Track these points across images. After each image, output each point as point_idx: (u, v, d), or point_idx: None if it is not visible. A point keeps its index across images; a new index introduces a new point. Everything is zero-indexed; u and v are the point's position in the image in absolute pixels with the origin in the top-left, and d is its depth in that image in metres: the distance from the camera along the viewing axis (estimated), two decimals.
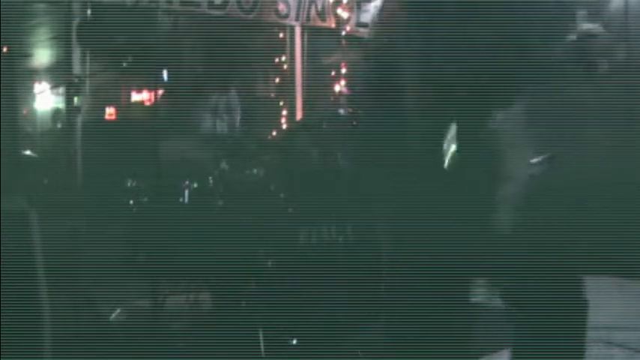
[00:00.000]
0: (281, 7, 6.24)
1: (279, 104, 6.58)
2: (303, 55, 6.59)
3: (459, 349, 1.84)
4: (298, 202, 3.64)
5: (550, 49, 1.70)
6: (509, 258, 1.73)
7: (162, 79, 4.03)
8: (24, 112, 7.69)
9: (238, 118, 4.69)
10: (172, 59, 4.28)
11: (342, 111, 3.73)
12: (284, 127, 6.39)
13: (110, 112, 8.51)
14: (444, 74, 1.66)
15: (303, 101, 6.55)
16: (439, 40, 1.66)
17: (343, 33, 6.54)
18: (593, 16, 1.79)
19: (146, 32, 4.38)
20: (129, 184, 3.78)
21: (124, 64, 3.86)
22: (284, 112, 6.53)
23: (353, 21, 6.68)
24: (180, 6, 5.51)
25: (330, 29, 6.57)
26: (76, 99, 4.04)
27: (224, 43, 4.58)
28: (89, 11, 5.02)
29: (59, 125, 7.22)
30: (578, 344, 1.81)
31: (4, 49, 4.27)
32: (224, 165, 3.78)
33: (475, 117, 1.69)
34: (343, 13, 6.57)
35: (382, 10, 1.90)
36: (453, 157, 1.68)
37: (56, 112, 8.04)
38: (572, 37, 1.75)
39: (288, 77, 6.57)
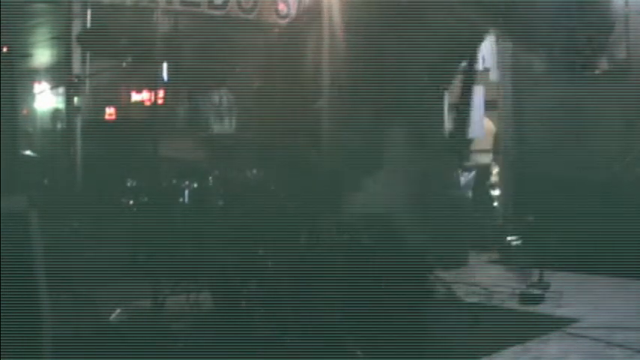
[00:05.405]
0: (281, 7, 6.24)
1: None
2: None
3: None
4: (298, 202, 3.64)
5: None
6: None
7: (162, 79, 4.02)
8: (24, 112, 7.69)
9: (234, 117, 4.70)
10: (172, 59, 4.28)
11: None
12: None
13: (110, 112, 8.51)
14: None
15: None
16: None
17: None
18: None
19: (146, 32, 4.37)
20: (129, 184, 3.78)
21: (124, 64, 3.86)
22: None
23: None
24: (180, 6, 5.51)
25: None
26: (76, 99, 4.05)
27: (224, 43, 4.58)
28: (89, 12, 5.03)
29: (59, 125, 7.22)
30: None
31: (4, 49, 4.27)
32: (224, 165, 3.78)
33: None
34: None
35: None
36: None
37: (56, 112, 8.04)
38: None
39: None
